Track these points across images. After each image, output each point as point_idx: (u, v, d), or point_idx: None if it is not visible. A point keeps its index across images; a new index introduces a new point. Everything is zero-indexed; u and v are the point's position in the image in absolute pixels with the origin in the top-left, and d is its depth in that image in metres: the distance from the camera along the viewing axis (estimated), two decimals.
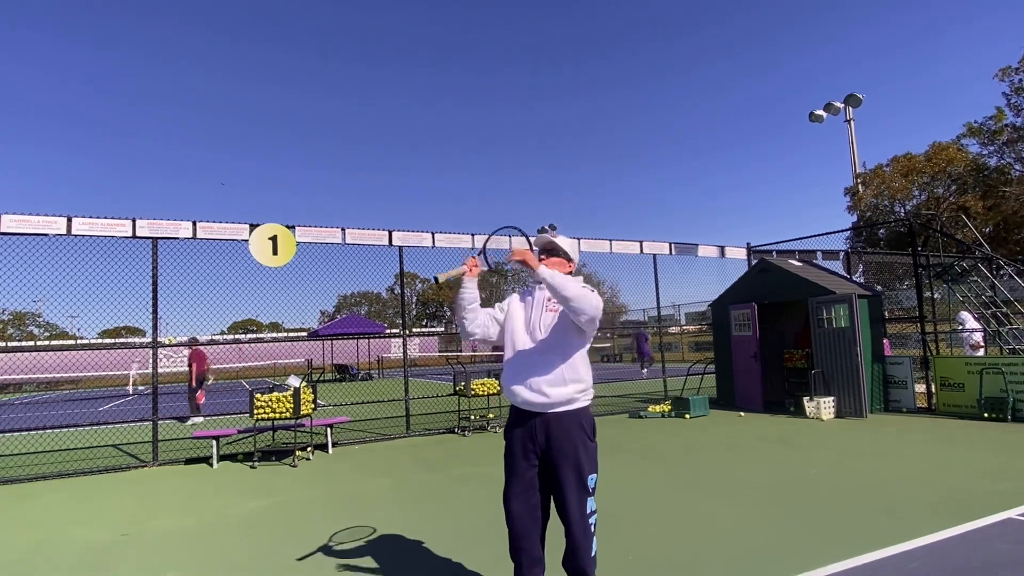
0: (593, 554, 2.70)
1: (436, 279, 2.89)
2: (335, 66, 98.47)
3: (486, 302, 3.02)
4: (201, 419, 11.83)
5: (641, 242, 11.65)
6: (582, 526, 2.67)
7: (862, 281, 12.74)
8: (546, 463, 2.73)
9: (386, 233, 9.50)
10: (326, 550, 4.11)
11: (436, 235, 9.78)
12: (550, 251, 2.91)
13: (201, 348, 13.02)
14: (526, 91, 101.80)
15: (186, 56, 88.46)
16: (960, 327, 11.07)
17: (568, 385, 2.71)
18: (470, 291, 2.86)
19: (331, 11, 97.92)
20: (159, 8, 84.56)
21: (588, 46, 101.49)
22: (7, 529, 5.06)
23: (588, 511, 2.69)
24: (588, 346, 2.85)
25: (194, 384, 12.63)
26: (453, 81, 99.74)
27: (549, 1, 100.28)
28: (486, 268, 3.02)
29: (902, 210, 26.54)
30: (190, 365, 12.70)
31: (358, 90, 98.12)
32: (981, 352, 11.02)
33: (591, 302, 2.63)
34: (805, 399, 9.55)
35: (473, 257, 2.96)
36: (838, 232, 24.25)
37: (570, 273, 2.90)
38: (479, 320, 2.88)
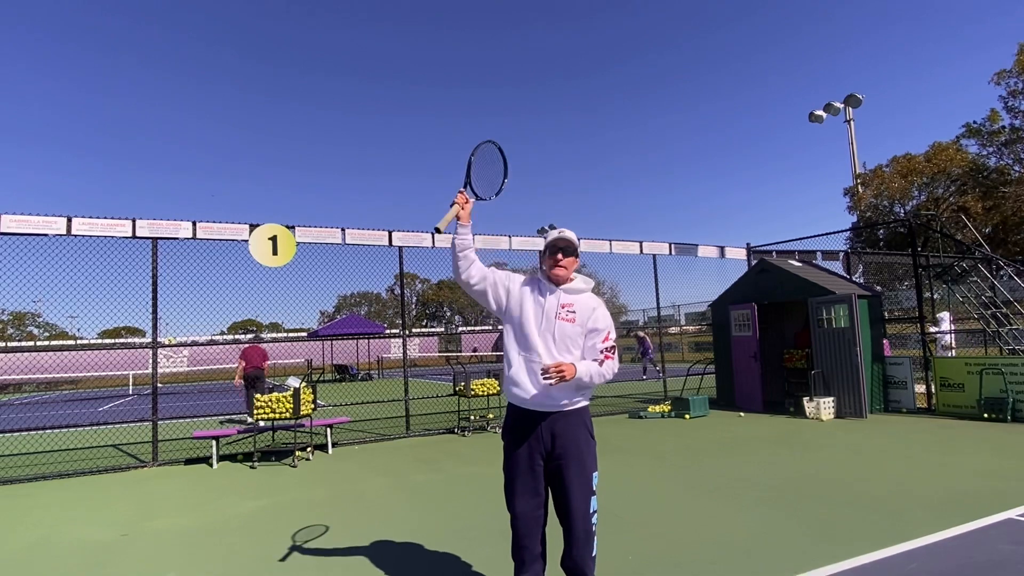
0: (594, 554, 2.70)
1: (437, 229, 2.76)
2: (338, 77, 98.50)
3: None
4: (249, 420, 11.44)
5: (641, 242, 11.66)
6: (585, 525, 2.67)
7: (862, 281, 12.74)
8: (550, 462, 2.73)
9: (386, 233, 9.50)
10: (326, 546, 4.10)
11: (436, 235, 9.77)
12: (570, 251, 2.81)
13: (258, 345, 12.29)
14: (531, 101, 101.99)
15: (188, 62, 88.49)
16: (935, 327, 11.10)
17: (579, 391, 2.76)
18: (463, 237, 2.74)
19: (338, 30, 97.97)
20: (167, 18, 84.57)
21: (590, 55, 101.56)
22: (7, 529, 5.06)
23: (591, 510, 2.69)
24: None
25: (238, 383, 12.17)
26: (457, 91, 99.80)
27: (552, 15, 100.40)
28: (474, 199, 2.92)
29: (902, 210, 26.56)
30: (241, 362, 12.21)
31: (365, 99, 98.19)
32: (951, 353, 11.07)
33: (610, 375, 2.76)
34: (805, 399, 9.55)
35: (461, 192, 2.83)
36: (838, 232, 24.11)
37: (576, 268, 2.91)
38: (476, 271, 2.77)
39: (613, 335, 2.79)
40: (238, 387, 11.71)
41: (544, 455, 2.73)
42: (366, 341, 30.76)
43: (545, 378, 2.54)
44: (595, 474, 2.74)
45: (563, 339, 2.73)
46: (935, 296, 12.23)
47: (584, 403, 2.80)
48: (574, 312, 2.76)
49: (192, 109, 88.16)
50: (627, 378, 16.73)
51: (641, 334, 21.51)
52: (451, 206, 2.81)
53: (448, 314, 57.05)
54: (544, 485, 2.77)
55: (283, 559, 3.97)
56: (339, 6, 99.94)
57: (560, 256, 2.79)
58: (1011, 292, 11.27)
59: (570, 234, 2.84)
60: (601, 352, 2.72)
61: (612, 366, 2.73)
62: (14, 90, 73.68)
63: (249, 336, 13.09)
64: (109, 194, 77.08)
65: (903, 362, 9.82)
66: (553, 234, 2.84)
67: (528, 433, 2.75)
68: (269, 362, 12.04)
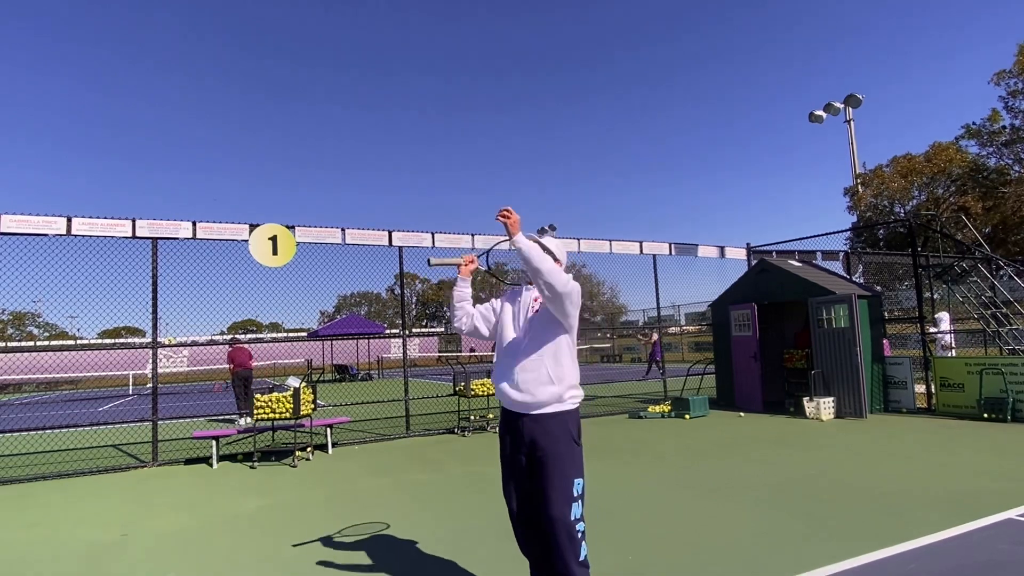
0: (582, 558, 2.59)
1: (428, 261, 2.95)
2: (339, 74, 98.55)
3: (484, 301, 3.08)
4: (244, 421, 11.64)
5: (641, 242, 11.66)
6: (567, 532, 2.56)
7: (862, 281, 12.74)
8: (532, 465, 2.69)
9: (386, 233, 9.50)
10: (327, 545, 4.11)
11: (436, 235, 9.78)
12: (545, 251, 2.83)
13: (241, 345, 12.60)
14: (528, 96, 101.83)
15: (188, 61, 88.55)
16: (934, 327, 11.11)
17: (554, 384, 2.66)
18: (461, 289, 2.99)
19: (337, 23, 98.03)
20: (167, 17, 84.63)
21: (590, 55, 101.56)
22: (7, 529, 5.06)
23: (573, 517, 2.57)
24: (574, 343, 2.81)
25: (230, 383, 12.39)
26: (457, 89, 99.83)
27: (552, 8, 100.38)
28: (484, 268, 3.06)
29: (902, 210, 26.56)
30: (230, 362, 12.39)
31: (365, 97, 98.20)
32: (951, 353, 11.09)
33: (560, 278, 2.58)
34: (805, 399, 9.55)
35: (472, 256, 3.00)
36: (838, 232, 24.12)
37: None
38: (467, 316, 2.97)
39: (562, 273, 2.66)
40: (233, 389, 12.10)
41: (526, 457, 2.71)
42: (366, 341, 30.76)
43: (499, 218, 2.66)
44: (578, 481, 2.63)
45: (536, 326, 2.77)
46: (935, 296, 12.24)
47: (568, 407, 2.70)
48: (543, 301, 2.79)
49: (192, 109, 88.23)
50: (627, 378, 16.75)
51: (656, 336, 21.37)
52: (457, 256, 2.99)
53: (448, 314, 57.01)
54: (533, 485, 2.75)
55: (297, 545, 4.03)
56: (339, 4, 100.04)
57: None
58: (1011, 292, 11.27)
59: (548, 240, 2.87)
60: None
61: (559, 270, 2.65)
62: (14, 90, 73.77)
63: (234, 338, 13.36)
64: (109, 194, 77.19)
65: (903, 362, 9.82)
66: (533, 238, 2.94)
67: (513, 434, 2.75)
68: (255, 362, 12.36)
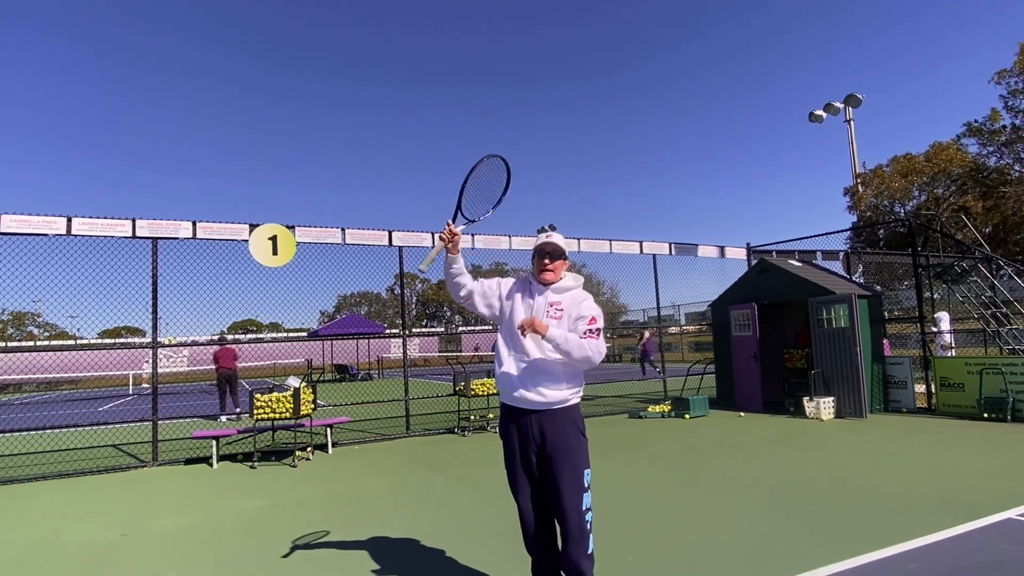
0: (590, 551, 2.71)
1: (420, 271, 2.86)
2: (339, 77, 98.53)
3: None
4: (224, 419, 11.92)
5: (641, 242, 11.65)
6: (578, 522, 2.68)
7: (862, 281, 12.74)
8: (541, 460, 2.77)
9: (386, 233, 9.50)
10: (327, 545, 4.10)
11: (436, 235, 9.74)
12: (556, 255, 2.87)
13: (229, 346, 12.94)
14: (532, 101, 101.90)
15: (188, 62, 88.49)
16: (935, 327, 11.10)
17: (566, 387, 2.77)
18: (453, 267, 2.86)
19: (339, 28, 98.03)
20: (167, 17, 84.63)
21: (590, 55, 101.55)
22: (7, 529, 5.06)
23: (584, 507, 2.70)
24: None
25: (217, 382, 12.69)
26: (457, 90, 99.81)
27: (553, 14, 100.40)
28: (465, 224, 2.98)
29: (902, 210, 26.56)
30: (215, 362, 12.70)
31: (365, 98, 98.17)
32: (951, 353, 11.10)
33: (594, 358, 2.70)
34: (805, 399, 9.54)
35: (448, 224, 2.86)
36: (838, 232, 24.11)
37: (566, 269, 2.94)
38: (466, 293, 2.89)
39: (599, 322, 2.79)
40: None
41: (536, 452, 2.77)
42: (366, 341, 30.75)
43: (519, 329, 2.66)
44: (587, 471, 2.75)
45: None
46: (935, 296, 12.24)
47: (573, 401, 2.81)
48: (562, 310, 2.81)
49: (192, 109, 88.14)
50: (627, 378, 16.74)
51: (647, 334, 21.33)
52: (438, 241, 2.85)
53: (448, 314, 57.05)
54: (541, 480, 2.80)
55: (285, 556, 4.01)
56: (339, 5, 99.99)
57: (547, 261, 2.86)
58: (1011, 292, 11.27)
59: (557, 238, 2.90)
60: (584, 333, 2.73)
61: (595, 345, 2.70)
62: (14, 89, 73.72)
63: (222, 338, 13.68)
64: (109, 194, 77.12)
65: (903, 362, 9.81)
66: (541, 238, 2.91)
67: (519, 430, 2.79)
68: (243, 363, 12.73)
